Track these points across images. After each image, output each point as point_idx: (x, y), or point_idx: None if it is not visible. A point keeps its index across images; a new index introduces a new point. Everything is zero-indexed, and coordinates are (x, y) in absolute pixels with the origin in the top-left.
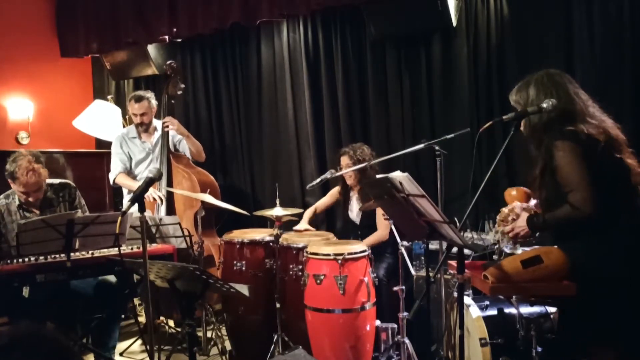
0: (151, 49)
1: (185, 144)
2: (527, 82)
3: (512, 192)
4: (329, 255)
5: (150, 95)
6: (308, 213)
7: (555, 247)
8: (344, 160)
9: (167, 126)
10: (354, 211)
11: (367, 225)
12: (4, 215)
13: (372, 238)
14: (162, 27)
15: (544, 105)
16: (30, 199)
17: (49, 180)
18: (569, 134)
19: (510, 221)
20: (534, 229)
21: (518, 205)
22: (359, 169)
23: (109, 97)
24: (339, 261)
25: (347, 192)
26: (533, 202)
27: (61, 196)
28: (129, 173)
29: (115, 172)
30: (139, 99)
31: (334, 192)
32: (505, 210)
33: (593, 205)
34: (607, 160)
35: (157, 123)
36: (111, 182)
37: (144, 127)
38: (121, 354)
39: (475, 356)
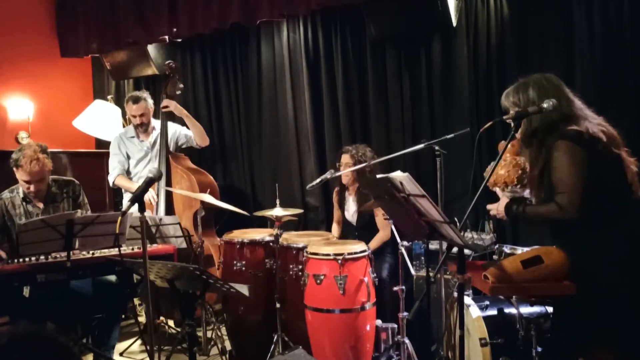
0: (151, 49)
1: (185, 135)
2: (523, 84)
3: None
4: (329, 255)
5: (146, 95)
6: (335, 229)
7: (555, 247)
8: (345, 158)
9: (167, 107)
10: (350, 212)
11: (363, 226)
12: (8, 208)
13: (376, 241)
14: (162, 27)
15: (545, 105)
16: (32, 189)
17: (55, 177)
18: (571, 134)
19: (504, 175)
20: (511, 216)
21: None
22: (358, 169)
23: (109, 97)
24: (339, 261)
25: (343, 193)
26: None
27: (65, 192)
28: (128, 173)
29: (114, 174)
30: (136, 100)
31: (335, 198)
32: (489, 170)
33: (580, 211)
34: (607, 160)
35: (155, 123)
36: (110, 184)
37: (144, 128)
38: (121, 354)
39: (475, 356)
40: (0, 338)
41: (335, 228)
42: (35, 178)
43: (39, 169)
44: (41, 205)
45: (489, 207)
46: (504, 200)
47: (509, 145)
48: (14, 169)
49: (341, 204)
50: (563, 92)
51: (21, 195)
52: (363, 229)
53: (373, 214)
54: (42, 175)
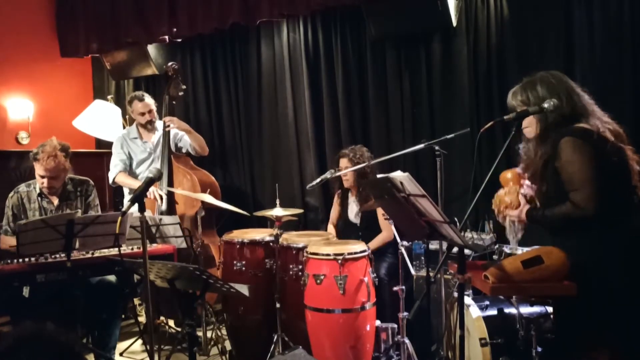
0: (151, 49)
1: (187, 140)
2: (531, 82)
3: (507, 175)
4: (329, 255)
5: (147, 94)
6: (330, 228)
7: (555, 247)
8: (343, 162)
9: (169, 126)
10: (353, 213)
11: (367, 227)
12: (24, 201)
13: (378, 241)
14: (162, 27)
15: (545, 105)
16: (45, 184)
17: (71, 175)
18: (580, 132)
19: (508, 202)
20: (532, 222)
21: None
22: (357, 171)
23: (109, 97)
24: (339, 261)
25: (345, 194)
26: (526, 182)
27: (79, 191)
28: (130, 172)
29: (115, 171)
30: (142, 98)
31: (336, 198)
32: (502, 192)
33: (596, 205)
34: (613, 160)
35: (157, 123)
36: (110, 181)
37: (151, 125)
38: (121, 354)
39: (475, 356)
40: (5, 339)
41: (331, 229)
42: (49, 174)
43: (54, 166)
44: (56, 201)
45: (510, 213)
46: (525, 206)
47: (511, 174)
48: (33, 162)
49: (343, 206)
50: (571, 87)
51: (37, 190)
52: (366, 230)
53: (376, 214)
54: (56, 172)
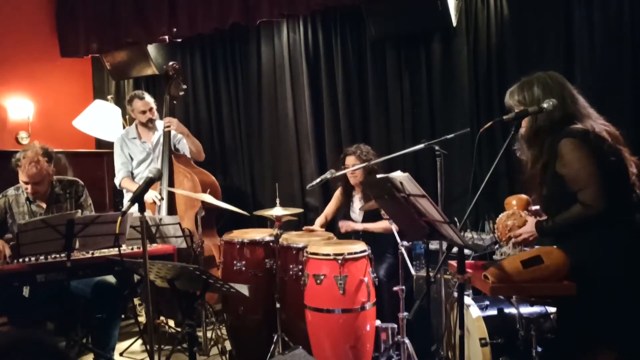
0: (151, 49)
1: (185, 143)
2: (528, 82)
3: (512, 202)
4: (329, 255)
5: (147, 93)
6: (320, 220)
7: (555, 247)
8: (351, 160)
9: (168, 126)
10: (357, 212)
11: None
12: (12, 205)
13: (377, 225)
14: (162, 27)
15: (545, 105)
16: (29, 190)
17: (59, 177)
18: (578, 132)
19: (511, 225)
20: (544, 234)
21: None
22: (365, 169)
23: (109, 97)
24: (339, 261)
25: (349, 192)
26: (533, 208)
27: (68, 192)
28: (132, 175)
29: (120, 177)
30: (142, 97)
31: (337, 194)
32: (503, 216)
33: (605, 201)
34: (611, 159)
35: (157, 122)
36: (117, 186)
37: (152, 124)
38: (121, 354)
39: (475, 356)
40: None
41: (321, 220)
42: (32, 180)
43: (36, 172)
44: (44, 205)
45: (517, 232)
46: (532, 220)
47: (516, 200)
48: (16, 168)
49: (347, 204)
50: (567, 89)
51: (25, 194)
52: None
53: (379, 215)
54: (39, 178)
